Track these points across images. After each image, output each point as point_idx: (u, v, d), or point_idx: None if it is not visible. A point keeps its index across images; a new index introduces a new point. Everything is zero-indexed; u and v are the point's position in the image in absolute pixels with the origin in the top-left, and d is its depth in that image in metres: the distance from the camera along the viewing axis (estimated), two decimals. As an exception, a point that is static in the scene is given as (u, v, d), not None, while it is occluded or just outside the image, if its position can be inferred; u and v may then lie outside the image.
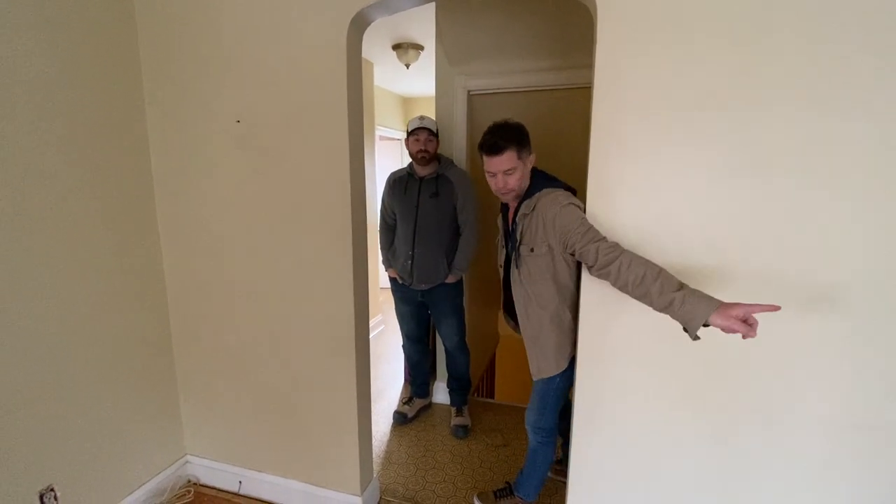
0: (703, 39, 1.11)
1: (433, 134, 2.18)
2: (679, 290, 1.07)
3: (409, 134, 2.20)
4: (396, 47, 3.19)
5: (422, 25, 2.70)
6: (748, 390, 1.22)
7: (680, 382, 1.27)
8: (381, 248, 2.50)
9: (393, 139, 5.06)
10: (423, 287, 2.33)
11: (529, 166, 1.47)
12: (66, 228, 1.49)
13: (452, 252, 2.30)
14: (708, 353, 1.22)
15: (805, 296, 1.13)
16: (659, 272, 1.11)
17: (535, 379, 1.58)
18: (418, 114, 2.30)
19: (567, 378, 1.54)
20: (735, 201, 1.14)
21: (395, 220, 2.38)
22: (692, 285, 1.10)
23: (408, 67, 3.40)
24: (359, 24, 1.52)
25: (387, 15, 1.57)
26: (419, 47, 3.19)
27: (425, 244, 2.27)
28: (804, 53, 1.05)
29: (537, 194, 1.43)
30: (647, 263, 1.14)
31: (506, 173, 1.42)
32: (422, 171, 2.26)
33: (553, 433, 1.68)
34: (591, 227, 1.25)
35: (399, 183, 2.33)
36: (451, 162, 2.33)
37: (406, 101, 5.20)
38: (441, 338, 2.52)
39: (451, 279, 2.33)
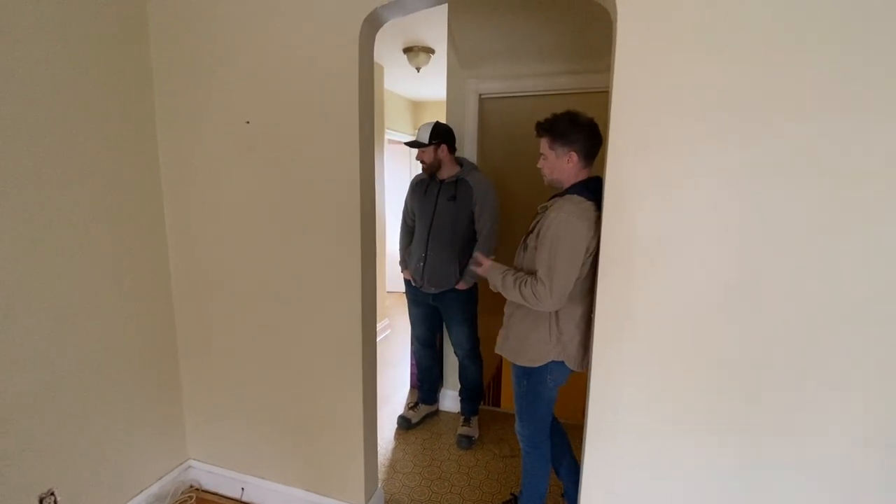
0: (726, 41, 1.07)
1: (424, 145, 2.18)
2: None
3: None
4: (407, 50, 3.17)
5: (433, 28, 2.68)
6: (774, 406, 1.16)
7: (697, 394, 1.22)
8: (400, 249, 2.50)
9: (401, 143, 5.03)
10: (433, 291, 2.31)
11: (566, 162, 1.47)
12: (71, 232, 1.47)
13: (466, 258, 2.25)
14: (731, 368, 1.17)
15: (838, 306, 1.08)
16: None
17: (496, 350, 1.65)
18: (426, 120, 2.29)
19: (539, 383, 1.55)
20: (762, 206, 1.09)
21: (415, 221, 2.36)
22: (716, 296, 1.13)
23: (418, 71, 3.38)
24: (372, 24, 1.49)
25: (401, 15, 1.55)
26: (430, 51, 3.17)
27: (438, 247, 2.25)
28: (831, 54, 1.00)
29: (564, 197, 1.45)
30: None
31: (542, 156, 1.53)
32: (442, 174, 2.25)
33: (538, 444, 1.66)
34: (548, 268, 1.38)
35: (420, 184, 2.34)
36: (475, 167, 2.31)
37: (416, 105, 5.18)
38: (452, 345, 2.47)
39: (461, 286, 2.28)
